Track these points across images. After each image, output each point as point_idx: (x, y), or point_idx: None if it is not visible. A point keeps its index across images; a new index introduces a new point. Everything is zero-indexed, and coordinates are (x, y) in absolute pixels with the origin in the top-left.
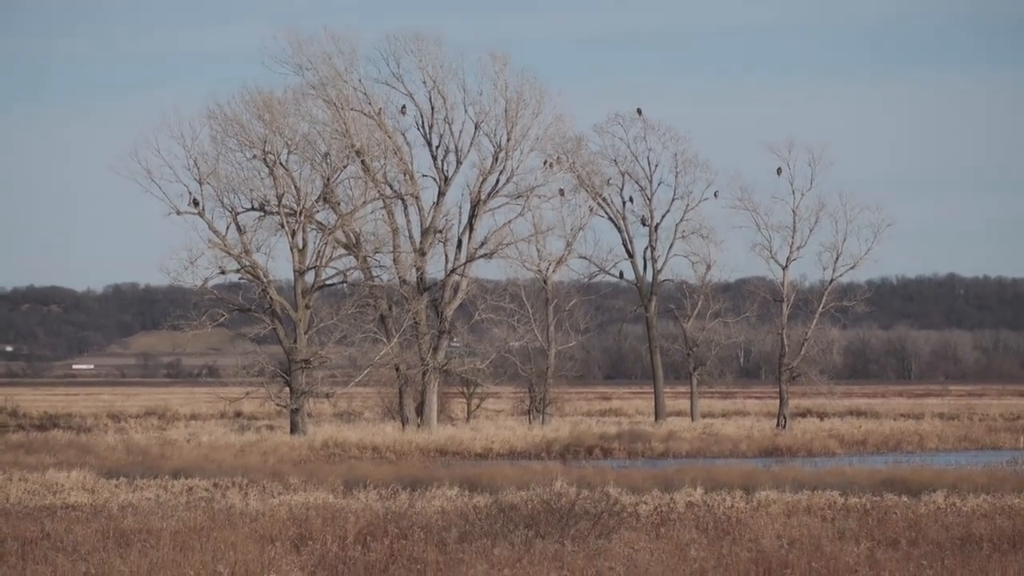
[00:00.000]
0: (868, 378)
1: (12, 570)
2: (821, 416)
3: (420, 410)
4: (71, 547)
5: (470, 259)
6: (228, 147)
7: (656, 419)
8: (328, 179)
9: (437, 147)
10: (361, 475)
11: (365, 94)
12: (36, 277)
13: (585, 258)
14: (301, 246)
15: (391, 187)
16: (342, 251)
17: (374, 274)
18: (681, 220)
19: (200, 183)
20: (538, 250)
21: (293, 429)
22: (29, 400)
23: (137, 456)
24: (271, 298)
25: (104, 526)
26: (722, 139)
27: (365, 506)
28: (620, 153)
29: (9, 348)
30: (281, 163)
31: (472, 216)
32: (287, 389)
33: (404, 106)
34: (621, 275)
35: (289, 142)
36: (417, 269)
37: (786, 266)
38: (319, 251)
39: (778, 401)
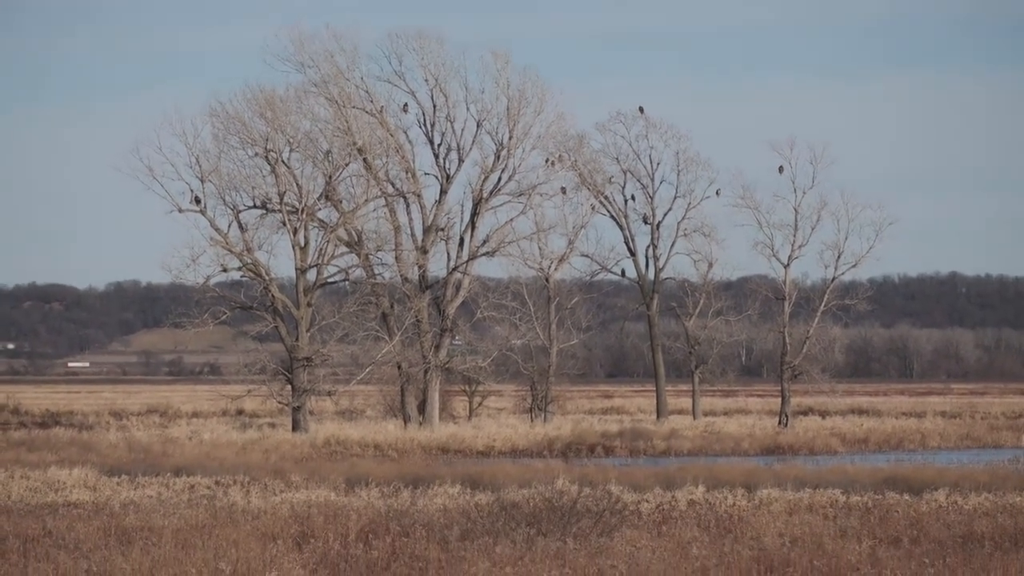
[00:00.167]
0: (870, 376)
1: (14, 568)
2: (823, 414)
3: (422, 408)
4: (73, 545)
5: (472, 257)
6: (230, 145)
7: (658, 417)
8: (330, 177)
9: (439, 145)
10: (363, 473)
11: (367, 92)
12: (38, 275)
13: (587, 256)
14: (303, 244)
15: (393, 185)
16: (344, 249)
17: (376, 272)
18: (683, 218)
19: (202, 181)
20: (540, 248)
21: (295, 427)
22: (31, 398)
23: (139, 454)
24: (273, 296)
25: (106, 524)
26: (722, 139)
27: (367, 504)
28: (622, 151)
29: (11, 346)
30: (283, 161)
31: (474, 214)
32: (289, 387)
33: (406, 104)
34: (623, 273)
35: (291, 140)
36: (419, 267)
37: (788, 264)
38: (321, 249)
39: (780, 399)
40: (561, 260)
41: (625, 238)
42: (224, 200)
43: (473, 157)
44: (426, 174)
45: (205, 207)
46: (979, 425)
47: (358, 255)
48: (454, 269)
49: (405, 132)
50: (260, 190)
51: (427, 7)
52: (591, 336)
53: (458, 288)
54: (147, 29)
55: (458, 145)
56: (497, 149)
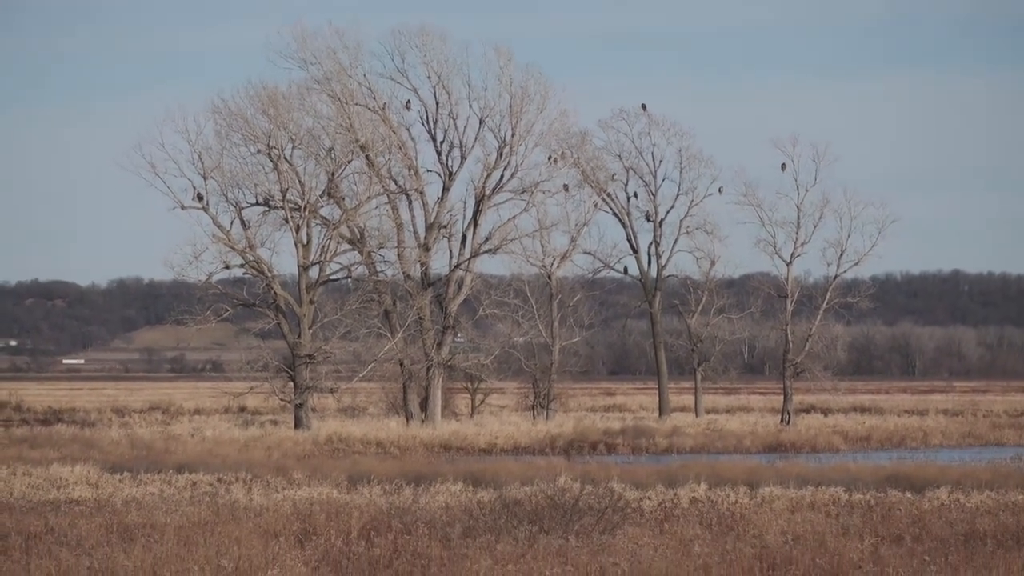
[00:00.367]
0: (872, 374)
1: (16, 564)
2: (825, 412)
3: (424, 405)
4: (75, 542)
5: (474, 254)
6: (232, 142)
7: (660, 415)
8: (332, 174)
9: (441, 142)
10: (365, 470)
11: (370, 89)
12: (40, 272)
13: (589, 253)
14: (305, 241)
15: (395, 182)
16: (346, 246)
17: (378, 269)
18: (685, 216)
19: (204, 178)
20: (542, 245)
21: (297, 424)
22: (33, 394)
23: (141, 451)
24: (275, 293)
25: (108, 521)
26: (723, 139)
27: (369, 501)
28: (624, 149)
29: (13, 342)
30: (285, 158)
31: (476, 211)
32: (291, 384)
33: (408, 101)
34: (625, 271)
35: (293, 137)
36: (421, 264)
37: (790, 262)
38: (323, 246)
39: (782, 397)
40: (563, 257)
41: (627, 235)
42: (226, 197)
43: (475, 154)
44: (428, 171)
45: (207, 204)
46: (981, 423)
47: (360, 252)
48: (456, 266)
49: (408, 129)
50: (262, 187)
51: (427, 6)
52: (593, 333)
53: (460, 285)
54: (147, 29)
55: (460, 142)
56: (499, 146)
